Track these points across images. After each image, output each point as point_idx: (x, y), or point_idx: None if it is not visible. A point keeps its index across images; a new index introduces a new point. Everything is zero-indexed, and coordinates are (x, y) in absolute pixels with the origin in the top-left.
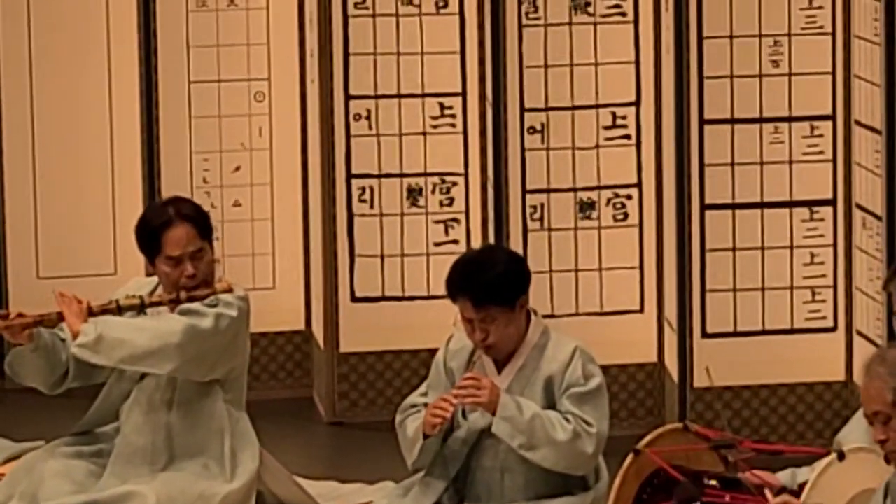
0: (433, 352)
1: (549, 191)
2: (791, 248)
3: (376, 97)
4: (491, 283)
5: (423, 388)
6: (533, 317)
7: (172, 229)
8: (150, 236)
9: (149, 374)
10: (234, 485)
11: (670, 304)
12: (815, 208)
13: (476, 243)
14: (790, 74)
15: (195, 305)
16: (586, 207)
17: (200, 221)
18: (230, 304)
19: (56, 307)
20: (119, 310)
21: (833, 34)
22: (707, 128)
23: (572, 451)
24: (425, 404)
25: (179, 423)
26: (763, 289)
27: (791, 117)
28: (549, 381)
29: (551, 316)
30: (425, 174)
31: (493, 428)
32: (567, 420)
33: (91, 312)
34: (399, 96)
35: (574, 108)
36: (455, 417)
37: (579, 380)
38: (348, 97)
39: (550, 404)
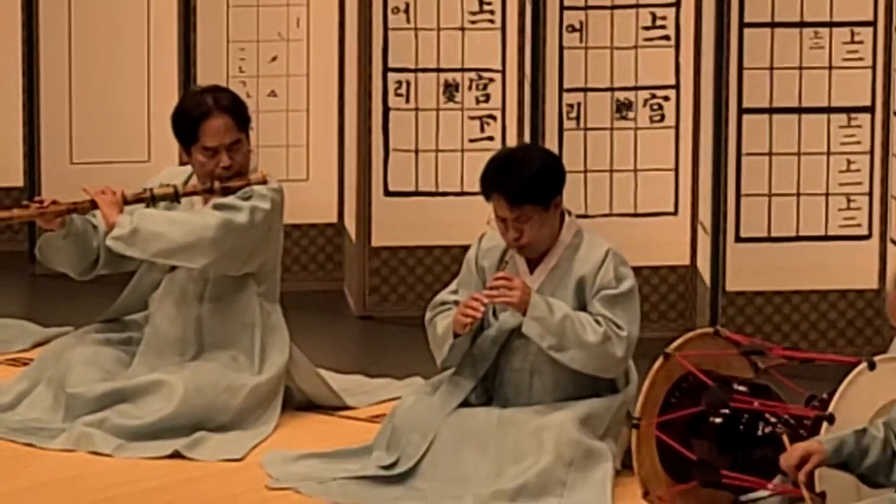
0: (465, 248)
1: (586, 90)
2: (828, 154)
3: None
4: (526, 181)
5: (453, 286)
6: (566, 217)
7: (210, 120)
8: (187, 126)
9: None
10: (262, 377)
11: (704, 208)
12: (853, 115)
13: (511, 141)
14: None
15: (230, 199)
16: (623, 108)
17: (238, 112)
18: (264, 197)
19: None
20: (153, 199)
21: None
22: (746, 31)
23: (602, 354)
24: (455, 302)
25: (210, 315)
26: (798, 194)
27: (832, 22)
28: (581, 281)
29: (585, 216)
30: (462, 70)
31: (524, 328)
32: (598, 322)
33: (125, 201)
34: None
35: (613, 7)
36: (486, 317)
37: (611, 282)
38: None
39: (581, 305)
